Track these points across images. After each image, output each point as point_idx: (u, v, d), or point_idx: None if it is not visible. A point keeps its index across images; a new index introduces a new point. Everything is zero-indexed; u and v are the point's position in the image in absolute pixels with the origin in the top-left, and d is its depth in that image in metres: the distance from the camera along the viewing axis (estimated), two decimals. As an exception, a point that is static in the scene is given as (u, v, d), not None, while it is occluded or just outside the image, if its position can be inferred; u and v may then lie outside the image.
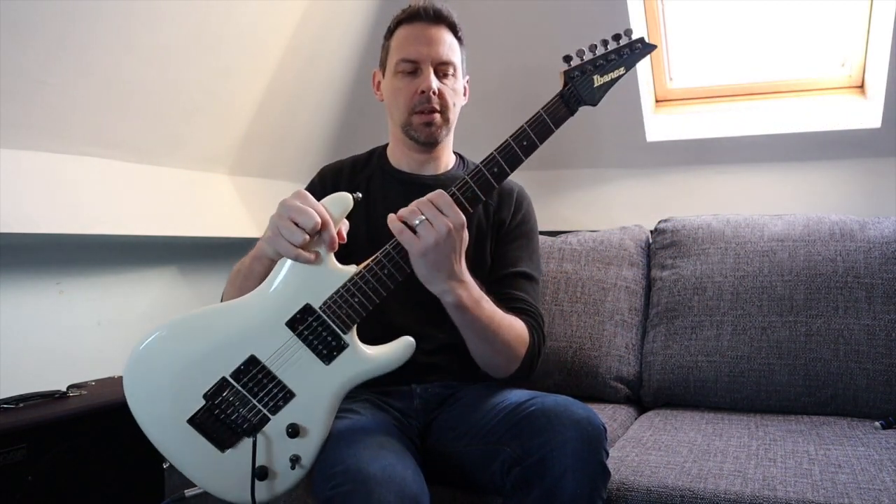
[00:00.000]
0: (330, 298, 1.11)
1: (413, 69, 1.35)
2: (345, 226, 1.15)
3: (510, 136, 1.17)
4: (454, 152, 1.49)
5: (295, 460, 1.10)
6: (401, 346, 1.14)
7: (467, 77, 1.46)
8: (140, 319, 2.03)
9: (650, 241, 1.93)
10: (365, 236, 1.36)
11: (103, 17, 1.60)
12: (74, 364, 1.84)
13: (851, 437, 1.39)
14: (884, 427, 1.45)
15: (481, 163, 1.17)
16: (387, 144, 1.49)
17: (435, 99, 1.33)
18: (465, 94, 1.45)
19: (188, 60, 1.85)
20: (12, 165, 1.59)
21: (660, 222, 1.93)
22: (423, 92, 1.33)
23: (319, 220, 1.07)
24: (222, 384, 1.10)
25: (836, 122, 2.07)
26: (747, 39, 2.21)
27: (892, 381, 1.53)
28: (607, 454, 1.09)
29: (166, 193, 1.98)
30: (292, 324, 1.11)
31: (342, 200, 1.13)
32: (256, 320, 1.11)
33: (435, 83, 1.33)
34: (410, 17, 1.37)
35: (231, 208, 2.20)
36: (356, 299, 1.11)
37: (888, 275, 1.60)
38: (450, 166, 1.45)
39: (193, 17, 1.78)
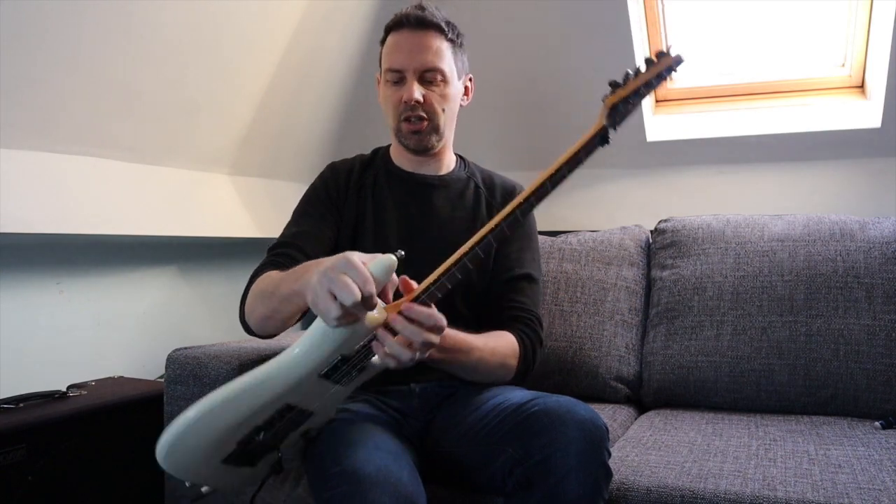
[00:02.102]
0: (363, 346, 1.04)
1: (398, 78, 1.34)
2: (391, 285, 1.03)
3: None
4: (455, 154, 1.49)
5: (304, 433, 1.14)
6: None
7: (469, 75, 1.45)
8: (140, 319, 2.03)
9: (650, 241, 1.92)
10: (372, 236, 1.38)
11: (104, 18, 1.60)
12: (74, 364, 1.84)
13: (851, 437, 1.39)
14: (884, 427, 1.45)
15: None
16: (388, 145, 1.50)
17: (419, 108, 1.33)
18: (467, 94, 1.44)
19: (188, 60, 1.85)
20: (12, 165, 1.59)
21: (660, 222, 1.93)
22: (405, 102, 1.33)
23: (359, 296, 0.92)
24: (255, 431, 1.08)
25: (836, 122, 2.06)
26: (747, 39, 2.21)
27: (892, 381, 1.53)
28: (610, 454, 1.09)
29: (166, 193, 1.98)
30: (328, 375, 1.06)
31: (387, 267, 0.99)
32: (292, 380, 1.04)
33: (418, 92, 1.32)
34: (396, 24, 1.37)
35: (231, 208, 2.20)
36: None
37: (888, 275, 1.60)
38: (451, 167, 1.46)
39: (193, 17, 1.78)
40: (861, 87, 2.09)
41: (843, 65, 2.11)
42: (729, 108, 2.23)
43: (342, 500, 0.98)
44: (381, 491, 0.98)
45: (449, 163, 1.46)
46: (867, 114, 2.02)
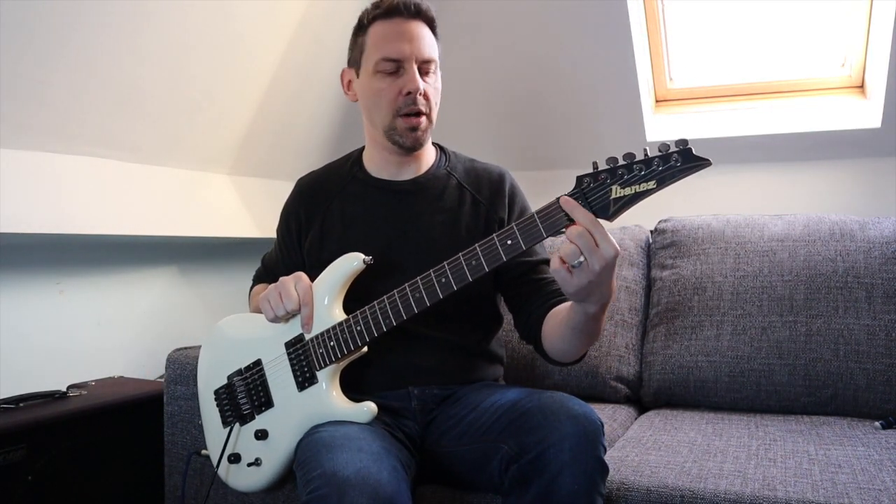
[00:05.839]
0: (317, 336, 1.24)
1: (395, 68, 1.27)
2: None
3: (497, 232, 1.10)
4: (435, 144, 1.42)
5: (254, 462, 1.28)
6: (362, 411, 1.21)
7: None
8: (140, 319, 2.03)
9: (650, 241, 1.92)
10: (337, 247, 1.32)
11: (104, 18, 1.60)
12: (74, 364, 1.84)
13: (851, 437, 1.39)
14: (884, 427, 1.45)
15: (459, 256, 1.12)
16: (363, 148, 1.43)
17: (421, 100, 1.27)
18: None
19: (188, 60, 1.85)
20: (12, 165, 1.59)
21: (660, 222, 1.92)
22: (408, 93, 1.26)
23: (296, 307, 1.24)
24: (238, 372, 1.33)
25: (836, 122, 2.07)
26: (747, 39, 2.21)
27: (892, 381, 1.53)
28: (605, 449, 1.09)
29: (166, 193, 1.98)
30: (288, 345, 1.28)
31: (342, 266, 1.26)
32: (270, 333, 1.31)
33: (421, 84, 1.26)
34: (388, 11, 1.28)
35: (231, 208, 2.20)
36: (332, 343, 1.22)
37: (888, 275, 1.60)
38: (429, 164, 1.39)
39: (193, 17, 1.78)
40: (861, 87, 2.09)
41: (843, 65, 2.11)
42: (729, 108, 2.23)
43: (321, 501, 1.00)
44: (359, 493, 0.99)
45: (427, 160, 1.39)
46: (867, 114, 2.03)
